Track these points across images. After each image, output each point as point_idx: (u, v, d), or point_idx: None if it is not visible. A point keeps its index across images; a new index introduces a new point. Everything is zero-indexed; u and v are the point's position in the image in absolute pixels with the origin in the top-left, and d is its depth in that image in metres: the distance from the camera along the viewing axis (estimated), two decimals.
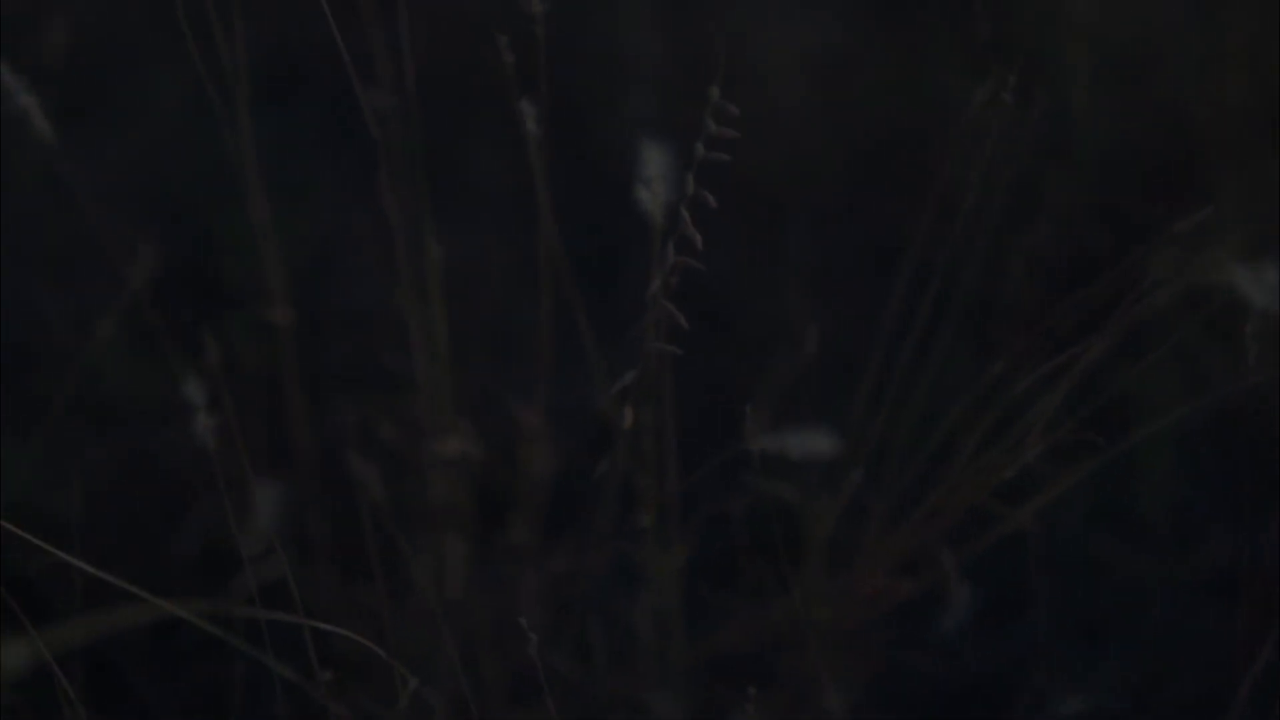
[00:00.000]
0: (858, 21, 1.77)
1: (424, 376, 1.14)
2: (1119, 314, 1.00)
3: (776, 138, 1.67)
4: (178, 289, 1.47)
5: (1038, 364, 1.04)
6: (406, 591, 1.21)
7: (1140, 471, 1.39)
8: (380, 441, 1.24)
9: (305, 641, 1.03)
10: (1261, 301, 0.86)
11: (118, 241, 1.25)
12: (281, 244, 1.22)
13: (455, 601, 1.20)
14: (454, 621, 1.19)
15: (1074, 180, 1.53)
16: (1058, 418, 1.03)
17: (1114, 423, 1.04)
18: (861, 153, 1.69)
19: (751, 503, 1.14)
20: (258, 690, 1.19)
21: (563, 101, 1.03)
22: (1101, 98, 1.57)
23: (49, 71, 1.68)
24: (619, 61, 1.66)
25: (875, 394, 1.11)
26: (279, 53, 1.72)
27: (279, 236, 1.21)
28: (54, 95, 1.10)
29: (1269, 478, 1.32)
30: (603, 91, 1.68)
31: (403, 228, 1.12)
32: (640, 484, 1.09)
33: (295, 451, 1.25)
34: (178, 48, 1.04)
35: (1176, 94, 1.59)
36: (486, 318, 1.36)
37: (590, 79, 1.67)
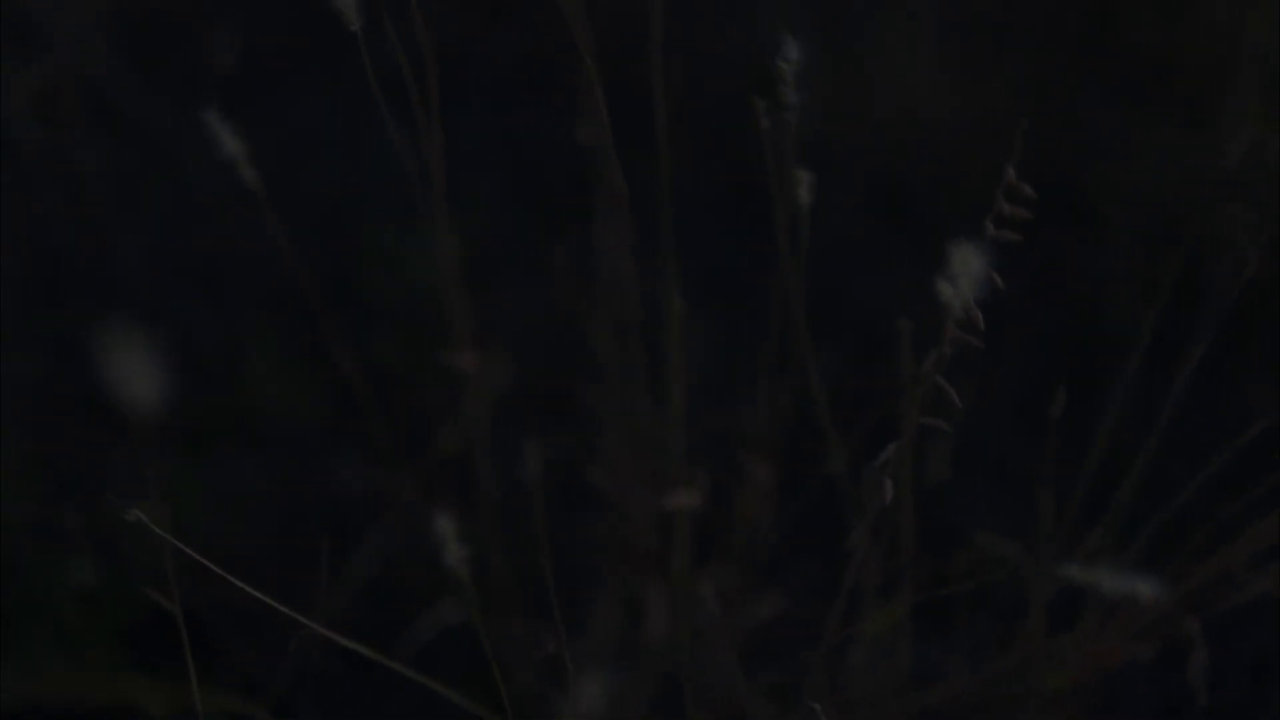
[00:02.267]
0: (1010, 43, 1.74)
1: (647, 420, 1.11)
2: None
3: (927, 158, 1.64)
4: (334, 306, 1.45)
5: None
6: (599, 637, 1.19)
7: None
8: (577, 480, 1.22)
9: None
10: None
11: (275, 256, 1.23)
12: (451, 264, 1.19)
13: (656, 647, 1.18)
14: (654, 668, 1.17)
15: (1246, 211, 1.49)
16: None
17: None
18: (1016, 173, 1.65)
19: (973, 558, 1.12)
20: None
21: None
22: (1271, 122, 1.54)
23: (215, 77, 1.65)
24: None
25: (1112, 451, 1.09)
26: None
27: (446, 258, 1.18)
28: (218, 101, 1.07)
29: None
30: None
31: (612, 267, 1.10)
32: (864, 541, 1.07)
33: (477, 488, 1.22)
34: (343, 53, 1.01)
35: None
36: (710, 368, 1.33)
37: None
